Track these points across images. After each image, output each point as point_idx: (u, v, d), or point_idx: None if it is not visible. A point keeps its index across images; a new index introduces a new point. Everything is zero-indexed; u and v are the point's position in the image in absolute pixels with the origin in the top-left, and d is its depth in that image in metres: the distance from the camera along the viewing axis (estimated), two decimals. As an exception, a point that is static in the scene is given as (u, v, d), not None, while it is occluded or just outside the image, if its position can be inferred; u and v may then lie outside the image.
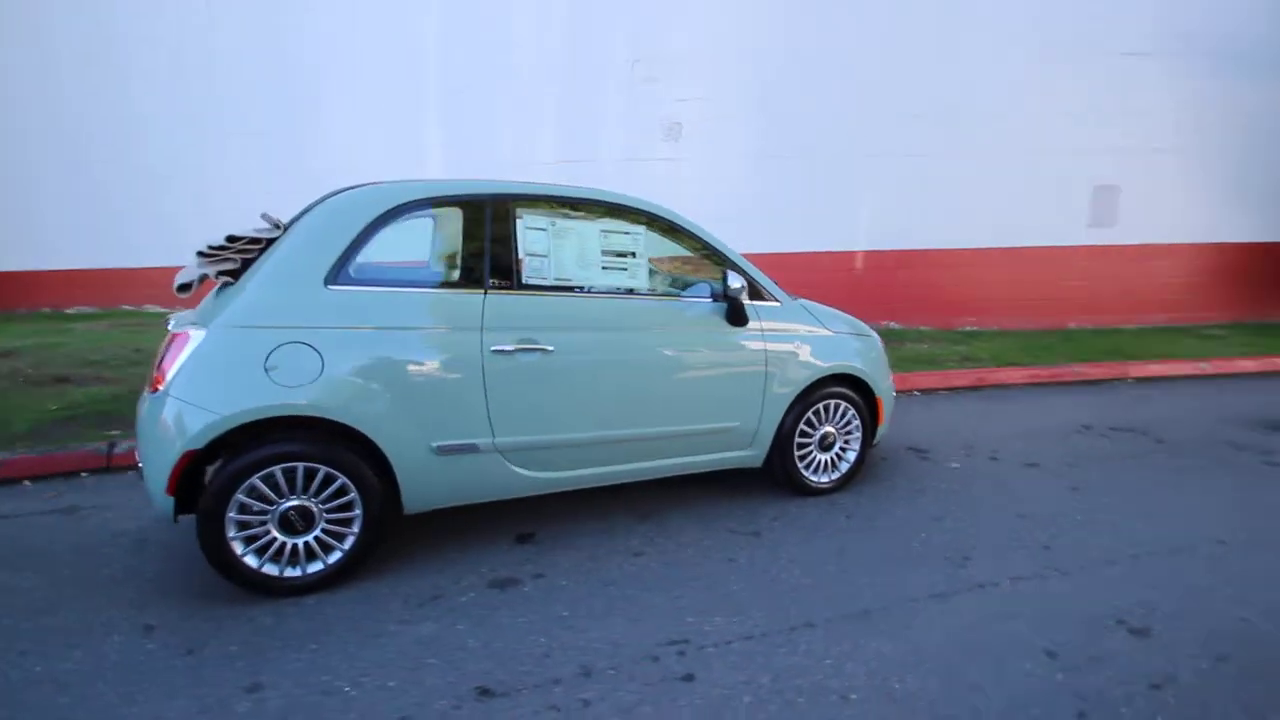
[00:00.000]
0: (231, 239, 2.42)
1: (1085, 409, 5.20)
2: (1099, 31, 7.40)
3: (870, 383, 3.46)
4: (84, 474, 3.60)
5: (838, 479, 3.44)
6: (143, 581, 2.54)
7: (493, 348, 2.58)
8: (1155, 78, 7.59)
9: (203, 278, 2.41)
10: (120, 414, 4.29)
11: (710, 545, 2.88)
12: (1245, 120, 7.87)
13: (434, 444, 2.53)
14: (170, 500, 2.26)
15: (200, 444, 2.22)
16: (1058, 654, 2.17)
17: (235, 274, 2.45)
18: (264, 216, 2.52)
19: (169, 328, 2.76)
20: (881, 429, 3.61)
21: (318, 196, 2.68)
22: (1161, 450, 4.24)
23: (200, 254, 2.42)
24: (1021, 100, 7.44)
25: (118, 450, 3.69)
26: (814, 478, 3.38)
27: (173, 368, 2.29)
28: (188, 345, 2.30)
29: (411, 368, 2.50)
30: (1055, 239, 7.75)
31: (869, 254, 7.49)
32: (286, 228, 2.52)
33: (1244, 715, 1.89)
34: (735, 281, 2.94)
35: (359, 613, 2.34)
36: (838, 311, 3.57)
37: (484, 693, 1.95)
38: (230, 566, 2.32)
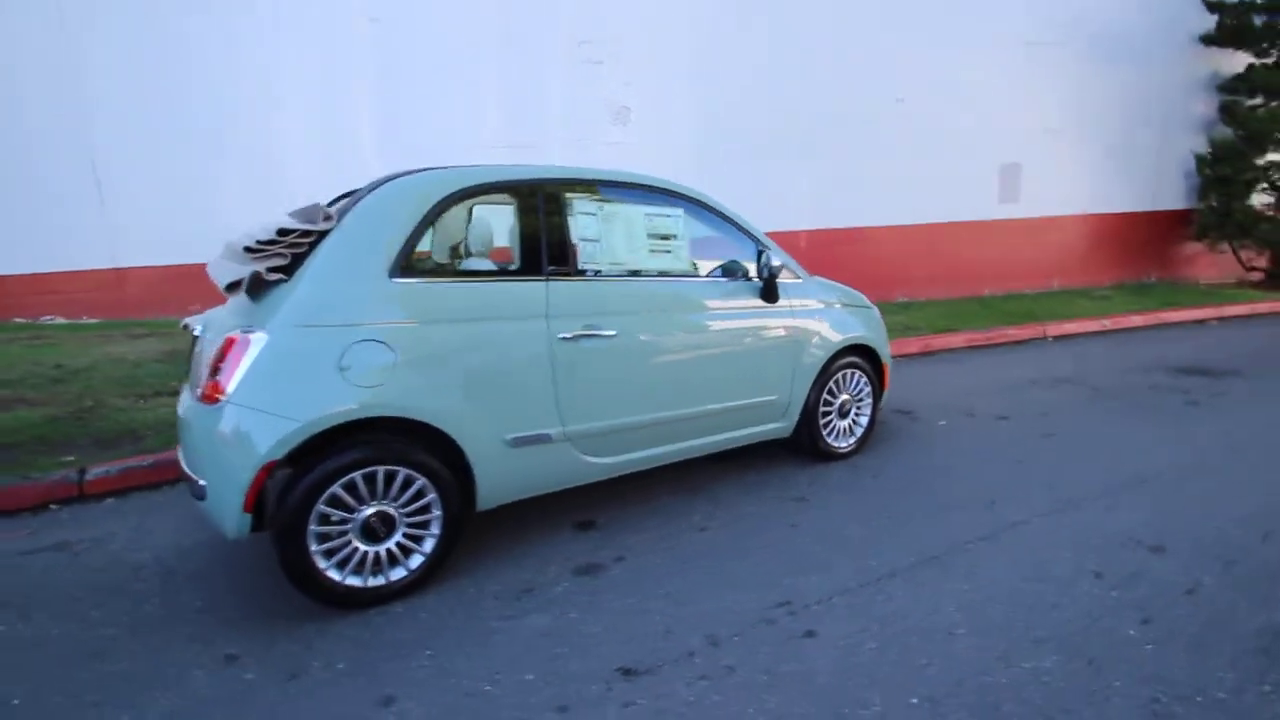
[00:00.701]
0: (283, 232, 2.23)
1: (1024, 366, 5.78)
2: (1006, 21, 8.15)
3: (878, 351, 3.71)
4: (53, 506, 3.20)
5: (854, 443, 3.66)
6: (193, 613, 2.32)
7: (560, 335, 2.56)
8: (1049, 64, 8.45)
9: (254, 275, 2.21)
10: (66, 438, 3.81)
11: (767, 514, 3.00)
12: (1123, 101, 8.93)
13: (508, 436, 2.48)
14: (248, 518, 2.09)
15: (281, 454, 2.07)
16: (1104, 574, 2.47)
17: (287, 270, 2.27)
18: (312, 208, 2.33)
19: (195, 333, 2.53)
20: (886, 394, 3.88)
21: (367, 183, 2.52)
22: (1101, 397, 4.81)
23: (248, 249, 2.22)
24: (943, 87, 8.04)
25: (90, 476, 3.29)
26: (836, 443, 3.58)
27: (235, 375, 2.10)
28: (249, 349, 2.12)
29: (484, 360, 2.43)
30: (973, 214, 8.48)
31: (813, 233, 7.86)
32: (339, 219, 2.36)
33: (1265, 608, 2.25)
34: (776, 260, 3.06)
35: (456, 614, 2.27)
36: (844, 286, 3.78)
37: (628, 673, 1.97)
38: (313, 581, 2.18)
